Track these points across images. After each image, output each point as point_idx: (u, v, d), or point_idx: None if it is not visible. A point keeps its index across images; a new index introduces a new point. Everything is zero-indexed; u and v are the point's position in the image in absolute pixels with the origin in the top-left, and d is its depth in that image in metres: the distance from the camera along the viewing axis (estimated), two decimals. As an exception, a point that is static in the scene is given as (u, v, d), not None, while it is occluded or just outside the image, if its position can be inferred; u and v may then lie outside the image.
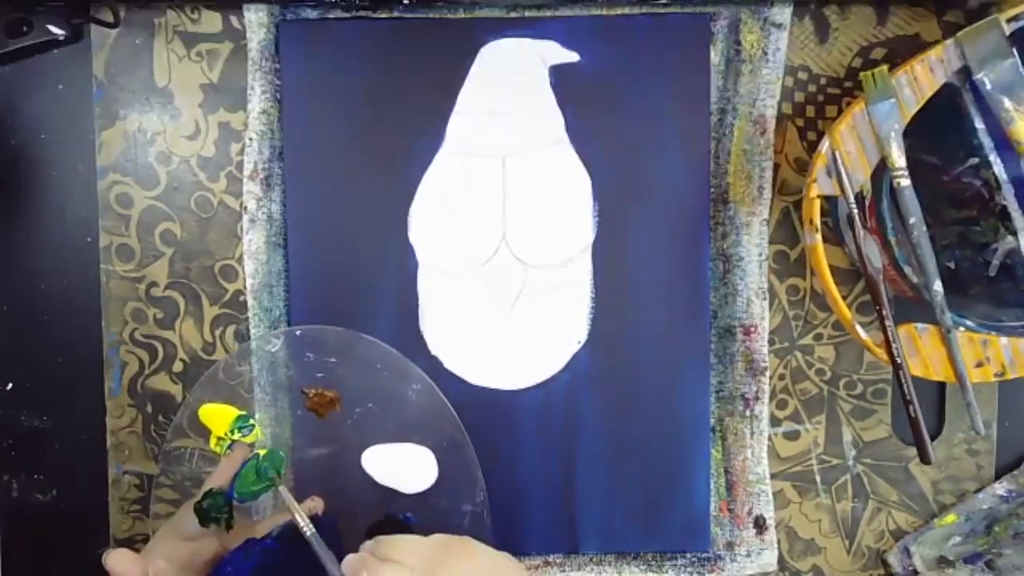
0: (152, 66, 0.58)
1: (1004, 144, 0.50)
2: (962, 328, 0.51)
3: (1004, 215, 0.52)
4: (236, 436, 0.52)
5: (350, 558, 0.44)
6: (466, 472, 0.54)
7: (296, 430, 0.56)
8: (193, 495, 0.56)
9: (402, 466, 0.54)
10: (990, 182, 0.52)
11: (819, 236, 0.51)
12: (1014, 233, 0.51)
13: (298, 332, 0.55)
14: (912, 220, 0.50)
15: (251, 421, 0.53)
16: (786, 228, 0.59)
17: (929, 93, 0.50)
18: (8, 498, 0.59)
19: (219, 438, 0.52)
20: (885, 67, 0.50)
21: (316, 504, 0.53)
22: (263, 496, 0.52)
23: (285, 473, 0.52)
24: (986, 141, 0.51)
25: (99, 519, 0.59)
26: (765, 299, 0.59)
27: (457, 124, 0.57)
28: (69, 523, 0.59)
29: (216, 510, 0.49)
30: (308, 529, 0.48)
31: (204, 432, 0.53)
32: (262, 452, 0.52)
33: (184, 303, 0.59)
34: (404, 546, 0.44)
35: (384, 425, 0.54)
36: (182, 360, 0.59)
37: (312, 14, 0.57)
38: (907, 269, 0.52)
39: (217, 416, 0.53)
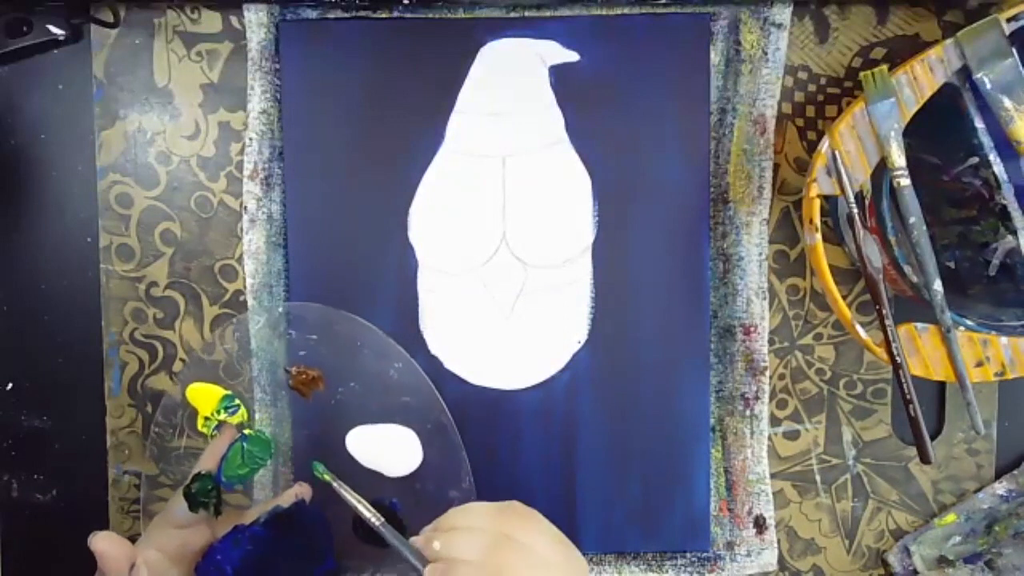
0: (152, 66, 0.58)
1: (1004, 144, 0.50)
2: (962, 328, 0.51)
3: (1004, 215, 0.52)
4: (222, 416, 0.52)
5: (418, 540, 0.44)
6: (451, 456, 0.54)
7: (283, 412, 0.56)
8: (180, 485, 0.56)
9: (386, 448, 0.54)
10: (990, 182, 0.52)
11: (819, 236, 0.51)
12: (1014, 233, 0.52)
13: (280, 309, 0.55)
14: (912, 220, 0.50)
15: (236, 401, 0.53)
16: (786, 228, 0.59)
17: (929, 93, 0.50)
18: (8, 498, 0.59)
19: (206, 418, 0.53)
20: (885, 67, 0.50)
21: (303, 490, 0.53)
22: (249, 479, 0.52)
23: (273, 456, 0.52)
24: (986, 141, 0.51)
25: (99, 519, 0.59)
26: (765, 299, 0.59)
27: (457, 124, 0.57)
28: (69, 523, 0.59)
29: (204, 494, 0.49)
30: (377, 519, 0.48)
31: (196, 433, 0.53)
32: (249, 432, 0.52)
33: (184, 303, 0.59)
34: (471, 513, 0.44)
35: (367, 405, 0.54)
36: (182, 360, 0.59)
37: (312, 14, 0.57)
38: (907, 269, 0.52)
39: (203, 396, 0.53)
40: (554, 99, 0.57)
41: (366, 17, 0.57)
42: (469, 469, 0.54)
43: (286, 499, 0.52)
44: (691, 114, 0.57)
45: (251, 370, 0.57)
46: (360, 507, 0.48)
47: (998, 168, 0.51)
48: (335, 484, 0.49)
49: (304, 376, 0.54)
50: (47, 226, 0.58)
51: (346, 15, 0.57)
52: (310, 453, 0.55)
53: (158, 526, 0.50)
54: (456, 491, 0.54)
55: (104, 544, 0.45)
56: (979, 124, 0.51)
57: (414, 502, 0.54)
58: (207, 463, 0.51)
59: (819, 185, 0.51)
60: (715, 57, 0.58)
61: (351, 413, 0.54)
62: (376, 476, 0.54)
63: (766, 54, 0.58)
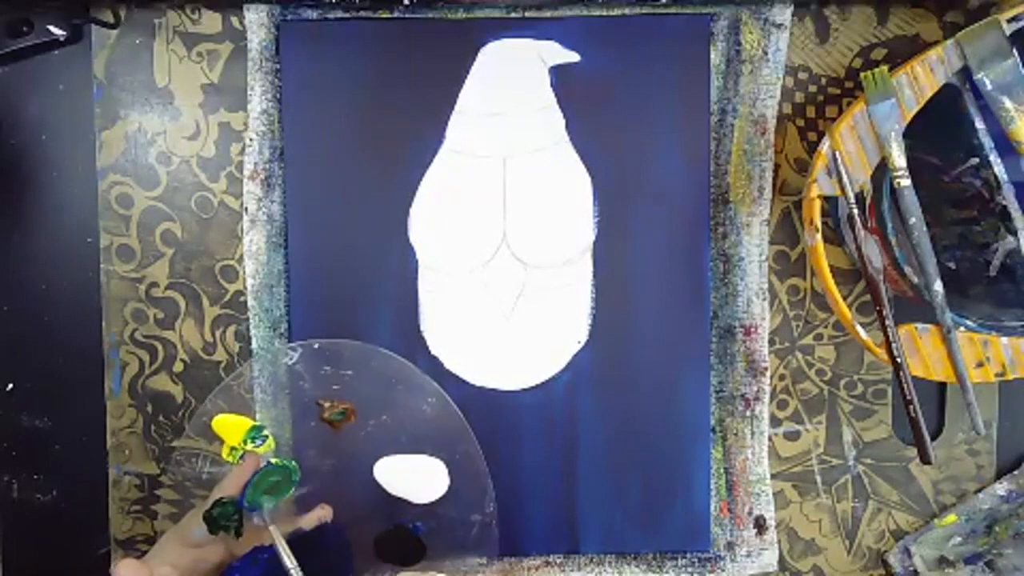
0: (152, 66, 0.58)
1: (1004, 144, 0.50)
2: (962, 328, 0.51)
3: (1004, 215, 0.52)
4: (249, 446, 0.53)
5: None
6: (476, 483, 0.54)
7: (309, 440, 0.56)
8: (195, 496, 0.56)
9: (414, 477, 0.54)
10: (990, 182, 0.52)
11: (819, 236, 0.51)
12: (1014, 233, 0.52)
13: (316, 345, 0.55)
14: (912, 220, 0.50)
15: (265, 432, 0.53)
16: (786, 228, 0.59)
17: (929, 93, 0.50)
18: (8, 498, 0.59)
19: (232, 448, 0.53)
20: (885, 67, 0.50)
21: (325, 512, 0.53)
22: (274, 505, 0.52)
23: (297, 484, 0.53)
24: (986, 141, 0.51)
25: (99, 519, 0.59)
26: (765, 299, 0.59)
27: (457, 124, 0.57)
28: (69, 523, 0.59)
29: (226, 518, 0.49)
30: (290, 562, 0.48)
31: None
32: (275, 461, 0.52)
33: (184, 303, 0.59)
34: None
35: (397, 437, 0.55)
36: (182, 360, 0.59)
37: (312, 14, 0.57)
38: (907, 269, 0.52)
39: (231, 427, 0.53)
40: (554, 99, 0.57)
41: (366, 17, 0.57)
42: (493, 495, 0.54)
43: (308, 521, 0.52)
44: (691, 114, 0.57)
45: (251, 371, 0.57)
46: (284, 557, 0.48)
47: (998, 168, 0.51)
48: (271, 528, 0.50)
49: (335, 410, 0.55)
50: (48, 226, 0.58)
51: (346, 15, 0.57)
52: (338, 480, 0.55)
53: (171, 541, 0.50)
54: (479, 515, 0.54)
55: (124, 571, 0.45)
56: (979, 125, 0.51)
57: (437, 526, 0.55)
58: (229, 488, 0.51)
59: (820, 186, 0.51)
60: (715, 57, 0.58)
61: (381, 444, 0.55)
62: (400, 501, 0.54)
63: (766, 54, 0.58)
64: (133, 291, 0.58)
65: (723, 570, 0.60)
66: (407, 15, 0.57)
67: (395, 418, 0.55)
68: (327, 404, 0.55)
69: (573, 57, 0.57)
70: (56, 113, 0.58)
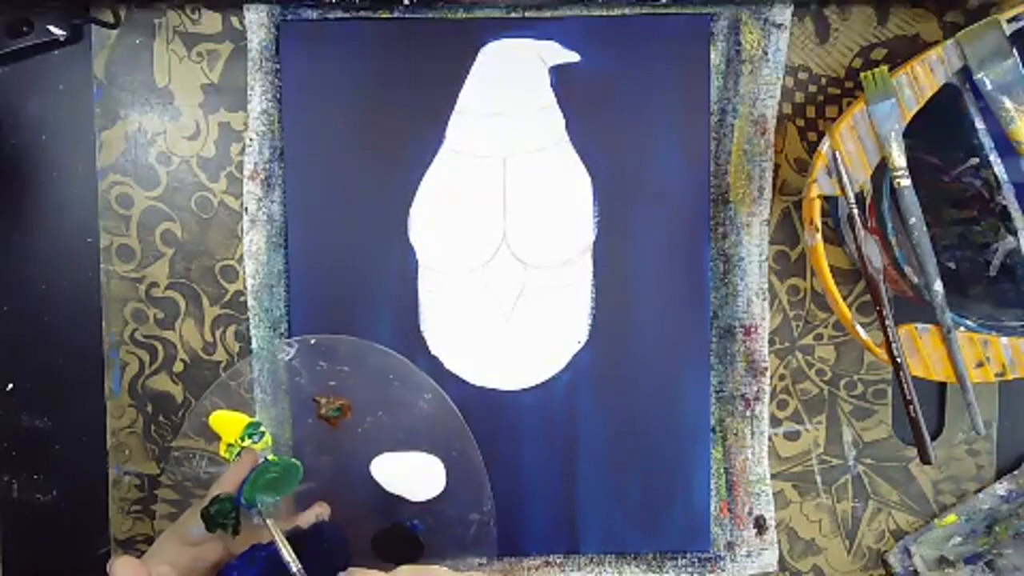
0: (152, 66, 0.58)
1: (1004, 144, 0.50)
2: (962, 328, 0.51)
3: (1004, 215, 0.52)
4: (247, 443, 0.53)
5: None
6: (474, 481, 0.54)
7: (306, 437, 0.56)
8: (196, 496, 0.56)
9: (411, 475, 0.55)
10: (990, 182, 0.52)
11: (819, 236, 0.51)
12: (1014, 233, 0.52)
13: (312, 341, 0.55)
14: (912, 220, 0.50)
15: (262, 428, 0.53)
16: (786, 228, 0.59)
17: (929, 93, 0.50)
18: (8, 498, 0.59)
19: (229, 445, 0.53)
20: (885, 67, 0.50)
21: (323, 510, 0.53)
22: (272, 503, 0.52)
23: (300, 481, 0.53)
24: (986, 141, 0.51)
25: (99, 519, 0.59)
26: (765, 299, 0.59)
27: (457, 124, 0.57)
28: (69, 523, 0.59)
29: (223, 516, 0.49)
30: (294, 566, 0.47)
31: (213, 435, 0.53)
32: (272, 458, 0.52)
33: (184, 303, 0.59)
34: None
35: (394, 434, 0.55)
36: (182, 360, 0.59)
37: (312, 14, 0.57)
38: (907, 269, 0.52)
39: (228, 423, 0.53)
40: (554, 99, 0.57)
41: (366, 17, 0.57)
42: (491, 494, 0.54)
43: (305, 519, 0.52)
44: (691, 114, 0.57)
45: (249, 368, 0.57)
46: (283, 551, 0.48)
47: (998, 168, 0.51)
48: (270, 524, 0.49)
49: (332, 406, 0.55)
50: (48, 226, 0.58)
51: (346, 15, 0.57)
52: (335, 478, 0.55)
53: (169, 540, 0.50)
54: (476, 514, 0.54)
55: (122, 569, 0.45)
56: (979, 125, 0.51)
57: (434, 524, 0.55)
58: (226, 486, 0.50)
59: (820, 185, 0.51)
60: (715, 57, 0.58)
61: (378, 441, 0.55)
62: (398, 499, 0.54)
63: (766, 54, 0.58)
64: (133, 291, 0.58)
65: (723, 570, 0.60)
66: (407, 15, 0.57)
67: (392, 415, 0.55)
68: (324, 400, 0.55)
69: (573, 57, 0.57)
70: (56, 113, 0.58)
